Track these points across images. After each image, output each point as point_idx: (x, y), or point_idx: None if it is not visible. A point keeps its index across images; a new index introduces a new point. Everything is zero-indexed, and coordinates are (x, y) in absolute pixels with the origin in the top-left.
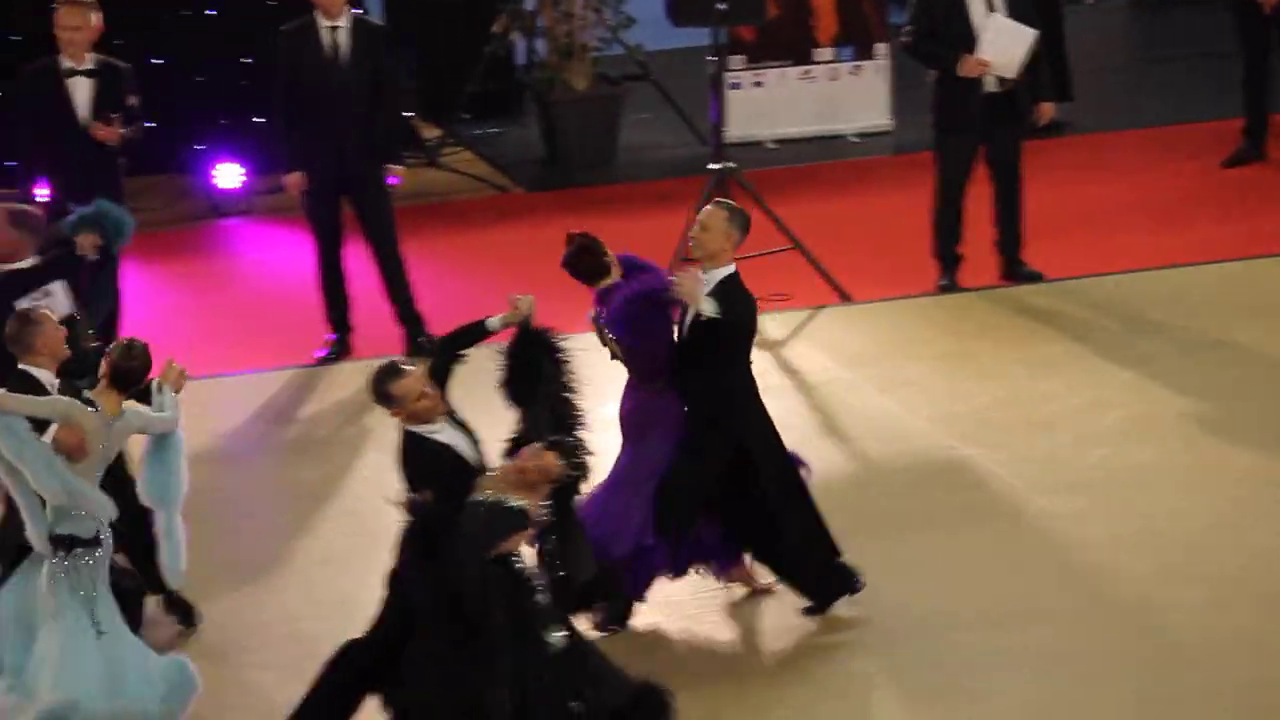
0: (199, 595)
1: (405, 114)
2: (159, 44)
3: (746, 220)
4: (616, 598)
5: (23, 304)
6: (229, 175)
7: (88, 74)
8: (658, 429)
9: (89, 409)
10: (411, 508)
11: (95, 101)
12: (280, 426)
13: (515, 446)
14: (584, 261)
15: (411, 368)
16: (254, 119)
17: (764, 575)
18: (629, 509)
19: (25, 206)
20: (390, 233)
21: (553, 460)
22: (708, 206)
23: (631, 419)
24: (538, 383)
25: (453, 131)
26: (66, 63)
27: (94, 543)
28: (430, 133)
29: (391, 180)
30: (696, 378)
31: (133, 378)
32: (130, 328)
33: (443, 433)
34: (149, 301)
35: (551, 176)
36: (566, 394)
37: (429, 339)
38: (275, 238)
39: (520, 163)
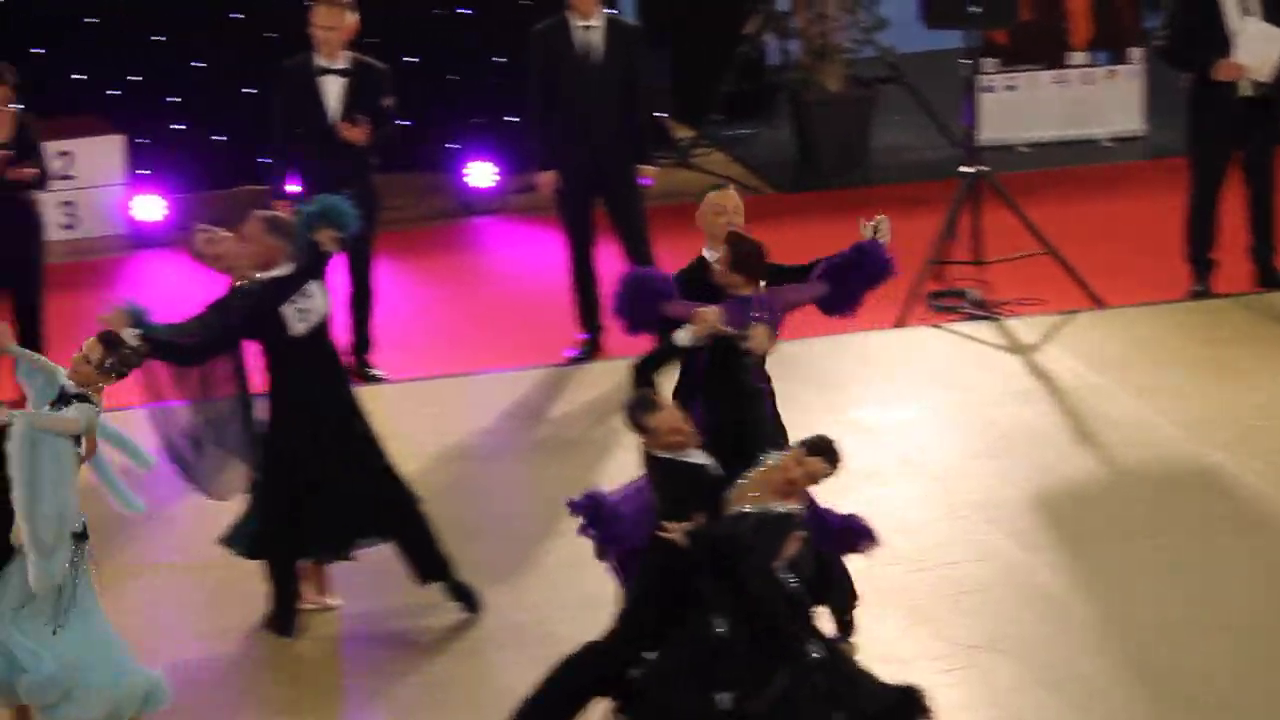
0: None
1: (658, 114)
2: (412, 42)
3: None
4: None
5: (288, 309)
6: (481, 174)
7: (340, 73)
8: None
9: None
10: (694, 539)
11: (346, 101)
12: (529, 426)
13: (725, 453)
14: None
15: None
16: (506, 118)
17: None
18: None
19: (279, 213)
20: (642, 233)
21: (817, 464)
22: None
23: None
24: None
25: (705, 132)
26: (320, 61)
27: (85, 535)
28: (682, 133)
29: (644, 180)
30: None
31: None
32: (382, 324)
33: (692, 454)
34: (400, 298)
35: (803, 178)
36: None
37: None
38: (527, 236)
39: (772, 164)
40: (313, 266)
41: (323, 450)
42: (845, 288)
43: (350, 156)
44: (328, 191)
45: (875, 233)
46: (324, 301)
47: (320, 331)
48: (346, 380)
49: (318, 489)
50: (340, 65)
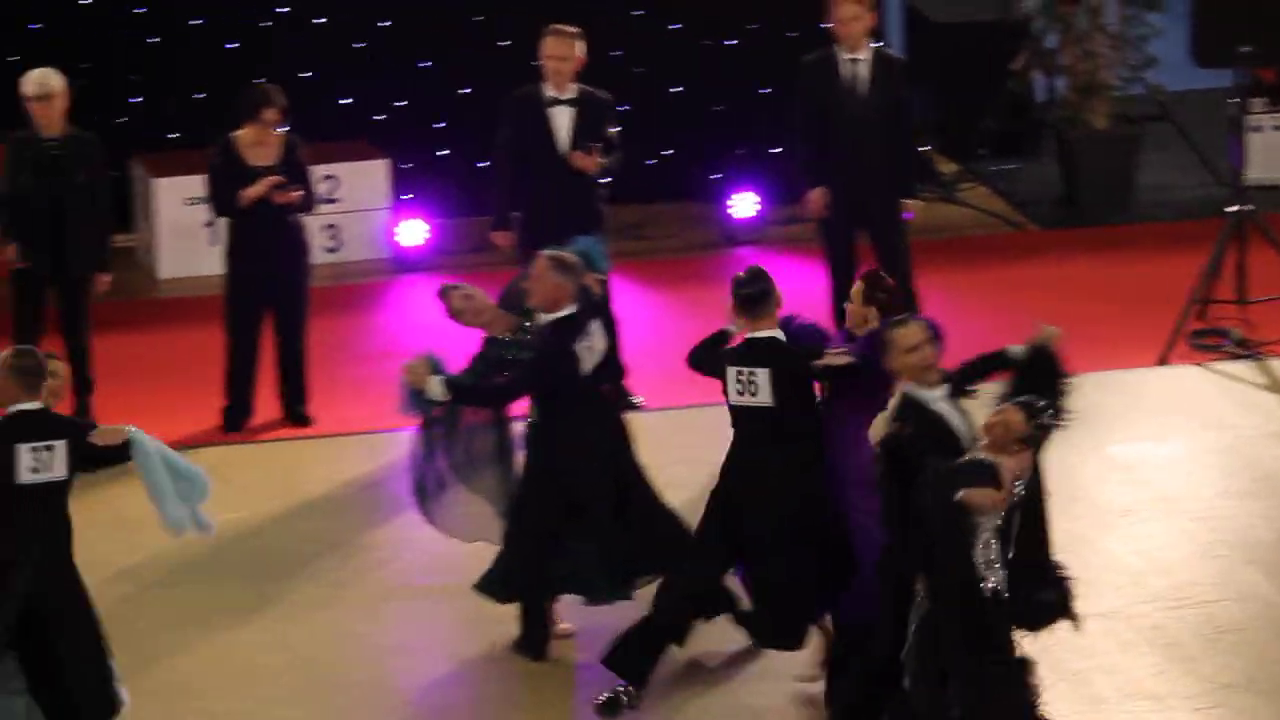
0: None
1: (923, 148)
2: (679, 73)
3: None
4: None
5: (580, 347)
6: (744, 204)
7: (569, 103)
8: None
9: None
10: (885, 440)
11: (575, 131)
12: None
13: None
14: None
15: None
16: (770, 149)
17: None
18: None
19: (564, 253)
20: (905, 266)
21: (1015, 416)
22: None
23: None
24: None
25: (970, 167)
26: (549, 92)
27: None
28: (947, 168)
29: (906, 215)
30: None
31: None
32: (642, 352)
33: (939, 403)
34: (662, 326)
35: (1068, 215)
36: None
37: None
38: (788, 268)
39: (1036, 200)
40: (589, 307)
41: (596, 490)
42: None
43: (579, 185)
44: (554, 219)
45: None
46: (603, 340)
47: (599, 370)
48: (619, 417)
49: (588, 529)
50: (569, 96)
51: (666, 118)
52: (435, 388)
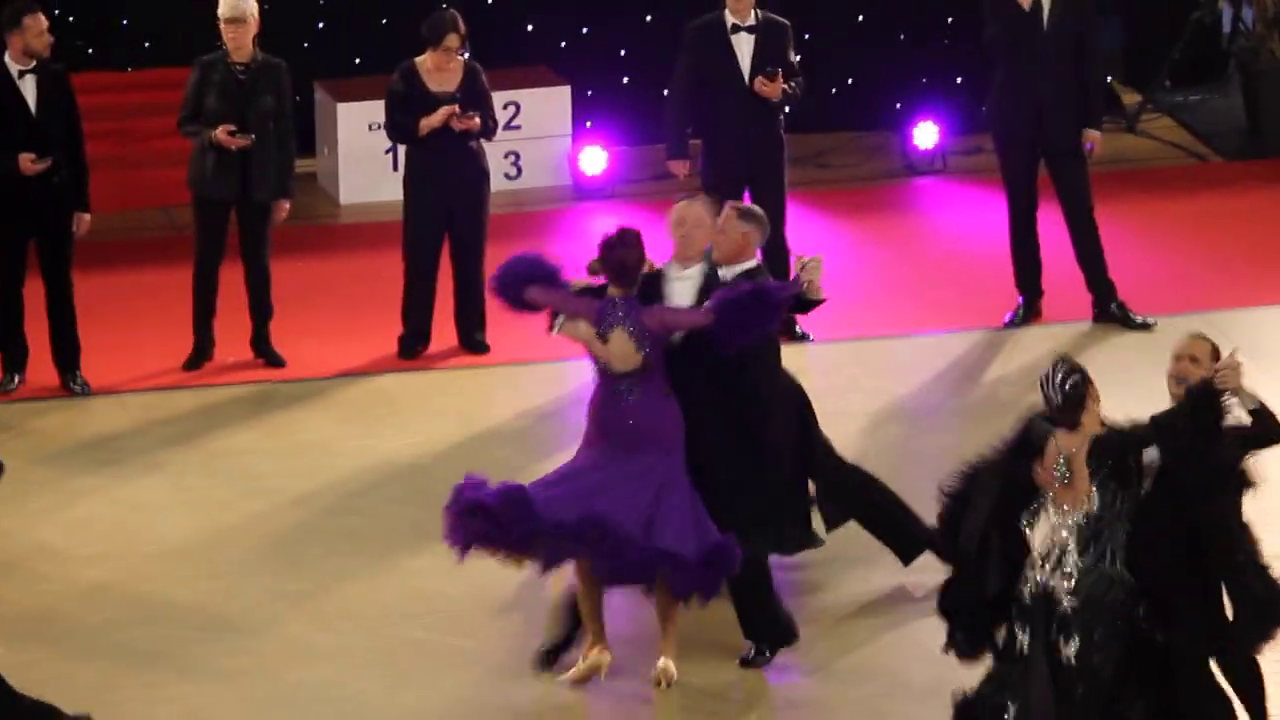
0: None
1: (1106, 78)
2: (862, 2)
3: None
4: None
5: None
6: (926, 134)
7: (751, 30)
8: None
9: None
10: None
11: (756, 58)
12: (965, 388)
13: None
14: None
15: None
16: (954, 79)
17: None
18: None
19: (751, 205)
20: (1085, 198)
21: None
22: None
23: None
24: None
25: (1153, 98)
26: (731, 19)
27: None
28: (1130, 98)
29: (1087, 145)
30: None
31: None
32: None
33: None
34: (840, 258)
35: (1251, 147)
36: None
37: (1120, 306)
38: (969, 198)
39: (1219, 132)
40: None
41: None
42: (732, 325)
43: (762, 114)
44: (736, 147)
45: (803, 270)
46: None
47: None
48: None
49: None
50: (750, 22)
51: (848, 46)
52: None
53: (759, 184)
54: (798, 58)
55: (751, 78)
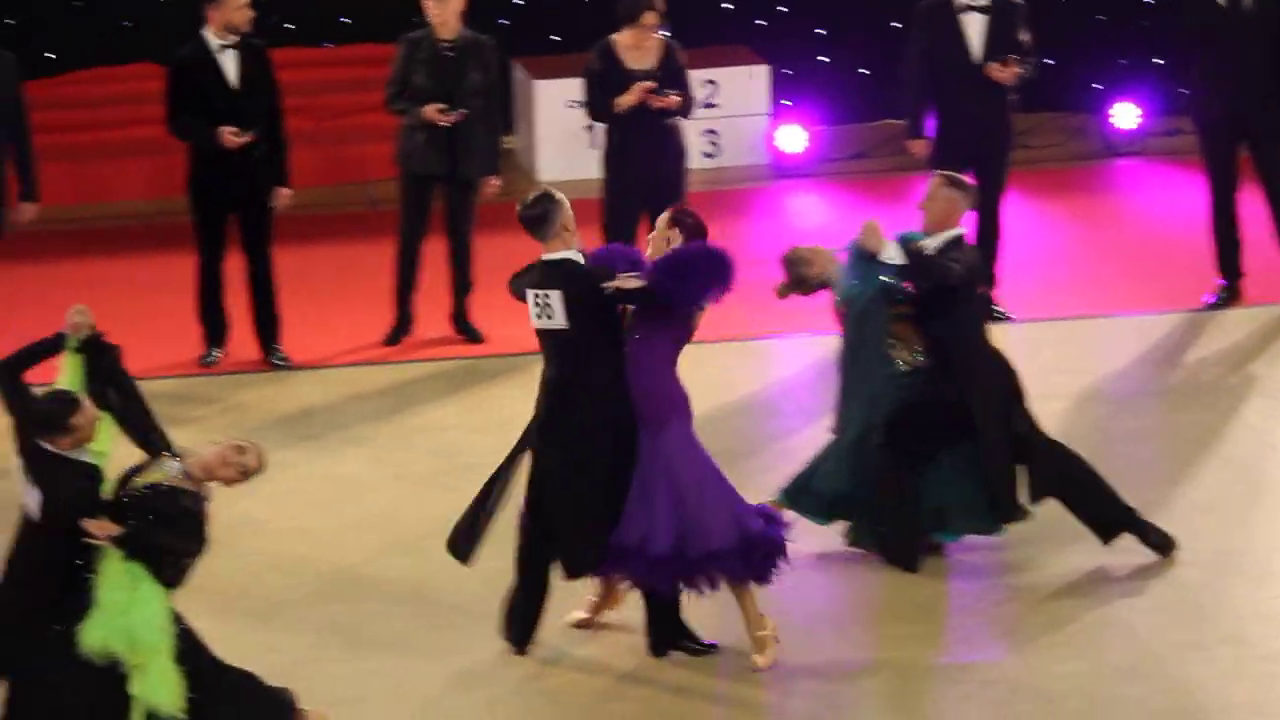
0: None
1: None
2: None
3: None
4: None
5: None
6: (1126, 115)
7: (982, 10)
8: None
9: None
10: None
11: (988, 37)
12: (1164, 370)
13: None
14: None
15: None
16: (1154, 59)
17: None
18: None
19: (959, 175)
20: None
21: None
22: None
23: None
24: None
25: None
26: None
27: None
28: None
29: None
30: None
31: None
32: (1017, 263)
33: None
34: (1039, 238)
35: None
36: None
37: None
38: (1169, 179)
39: None
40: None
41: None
42: (670, 283)
43: (992, 95)
44: (966, 128)
45: None
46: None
47: None
48: None
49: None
50: (981, 2)
51: (1049, 27)
52: (892, 250)
53: (984, 164)
54: (1028, 36)
55: (984, 59)
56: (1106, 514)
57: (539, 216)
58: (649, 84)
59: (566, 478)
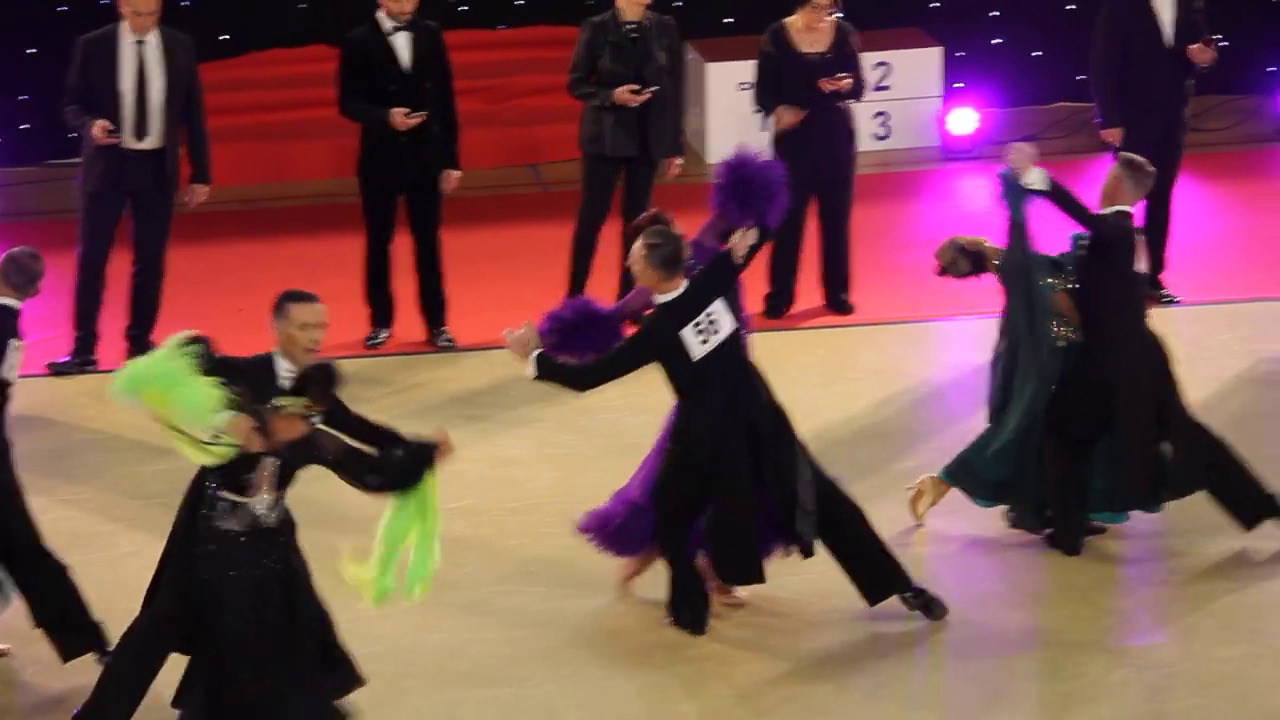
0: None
1: None
2: None
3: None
4: None
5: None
6: None
7: None
8: None
9: None
10: None
11: (1178, 18)
12: None
13: None
14: None
15: None
16: None
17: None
18: None
19: (1135, 156)
20: None
21: None
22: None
23: None
24: None
25: None
26: None
27: None
28: None
29: None
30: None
31: None
32: (1187, 246)
33: None
34: (1210, 221)
35: None
36: None
37: None
38: None
39: None
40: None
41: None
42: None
43: (1175, 79)
44: (1149, 114)
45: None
46: None
47: None
48: None
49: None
50: None
51: (1220, 10)
52: (1037, 176)
53: (1162, 145)
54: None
55: (1176, 40)
56: (1248, 501)
57: (675, 254)
58: (794, 119)
59: (785, 455)
